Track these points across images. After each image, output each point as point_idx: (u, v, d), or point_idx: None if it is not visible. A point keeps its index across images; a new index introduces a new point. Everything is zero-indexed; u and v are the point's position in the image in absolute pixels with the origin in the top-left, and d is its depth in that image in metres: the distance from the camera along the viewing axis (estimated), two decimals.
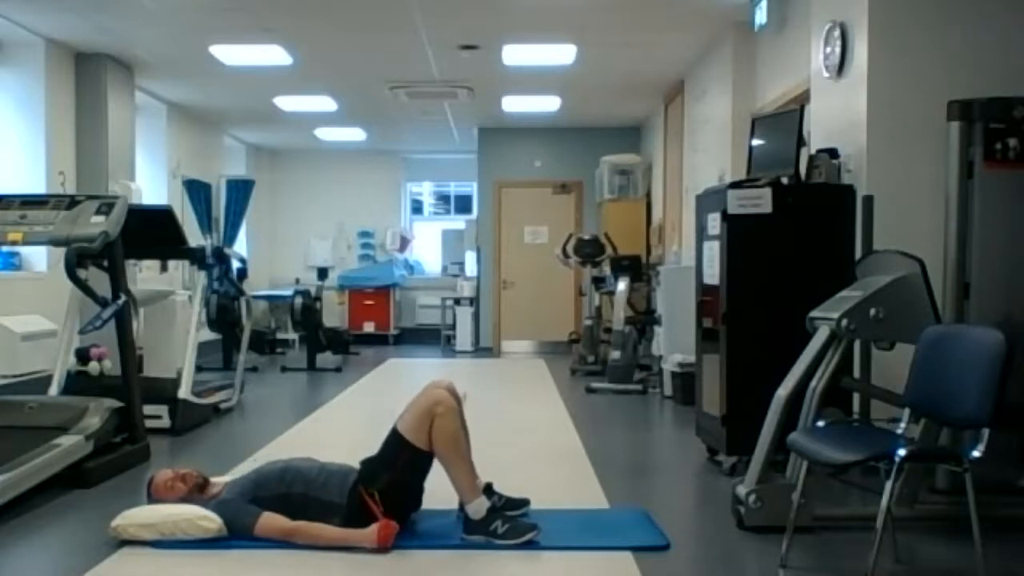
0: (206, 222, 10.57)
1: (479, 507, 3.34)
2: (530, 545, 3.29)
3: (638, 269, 8.51)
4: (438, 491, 3.46)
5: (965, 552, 2.97)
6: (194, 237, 9.55)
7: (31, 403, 4.58)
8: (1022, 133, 3.70)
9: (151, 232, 5.56)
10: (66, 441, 4.18)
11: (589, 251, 9.24)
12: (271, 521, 3.29)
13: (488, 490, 3.57)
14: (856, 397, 4.27)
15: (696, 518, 4.06)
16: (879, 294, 3.43)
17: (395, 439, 3.37)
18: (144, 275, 8.40)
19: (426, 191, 13.85)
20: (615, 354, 7.80)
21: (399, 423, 3.39)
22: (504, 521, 3.34)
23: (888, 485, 2.72)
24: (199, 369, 6.77)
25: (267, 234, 13.04)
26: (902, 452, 2.73)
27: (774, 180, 4.48)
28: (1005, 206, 3.76)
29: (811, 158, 4.72)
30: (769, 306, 4.34)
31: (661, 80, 8.76)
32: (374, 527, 3.25)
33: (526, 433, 5.85)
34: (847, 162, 4.61)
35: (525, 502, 3.71)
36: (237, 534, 3.30)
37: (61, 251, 4.57)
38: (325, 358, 9.96)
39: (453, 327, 11.81)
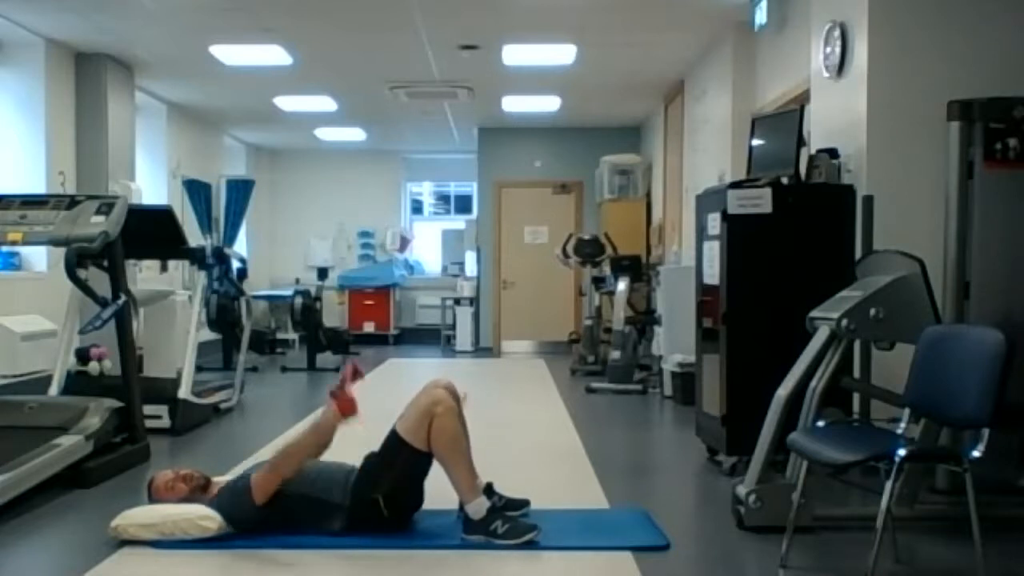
0: (206, 222, 10.56)
1: (479, 507, 3.34)
2: (530, 545, 3.28)
3: (638, 269, 8.51)
4: (438, 491, 3.46)
5: (965, 552, 2.97)
6: (194, 237, 9.54)
7: (31, 403, 4.58)
8: (1022, 133, 3.70)
9: (151, 232, 5.55)
10: (66, 441, 4.17)
11: (589, 251, 9.23)
12: (262, 479, 3.28)
13: (488, 490, 3.56)
14: (856, 397, 4.27)
15: (696, 518, 4.06)
16: (879, 294, 3.43)
17: (393, 440, 3.37)
18: (144, 275, 8.40)
19: (426, 191, 13.85)
20: (615, 354, 7.80)
21: (398, 424, 3.39)
22: (504, 521, 3.34)
23: (888, 485, 2.72)
24: (199, 369, 6.76)
25: (267, 234, 13.04)
26: (902, 452, 2.73)
27: (774, 180, 4.48)
28: (1005, 206, 3.76)
29: (811, 158, 4.72)
30: (769, 306, 4.34)
31: (661, 80, 8.76)
32: (330, 404, 3.30)
33: (526, 433, 5.85)
34: (847, 162, 4.61)
35: (525, 503, 3.71)
36: (241, 521, 3.28)
37: (61, 251, 4.57)
38: (325, 358, 9.94)
39: (453, 327, 11.81)
